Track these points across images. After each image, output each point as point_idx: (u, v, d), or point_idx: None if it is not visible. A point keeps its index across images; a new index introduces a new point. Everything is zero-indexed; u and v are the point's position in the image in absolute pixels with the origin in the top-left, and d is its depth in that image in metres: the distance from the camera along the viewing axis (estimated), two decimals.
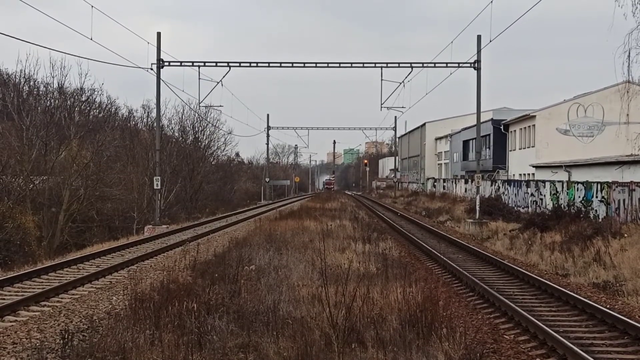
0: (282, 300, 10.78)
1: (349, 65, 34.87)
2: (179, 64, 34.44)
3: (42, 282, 15.77)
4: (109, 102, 63.81)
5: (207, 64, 34.29)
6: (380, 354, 8.20)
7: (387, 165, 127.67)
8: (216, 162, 73.82)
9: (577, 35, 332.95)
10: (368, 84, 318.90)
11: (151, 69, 33.68)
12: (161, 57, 33.60)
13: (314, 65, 35.02)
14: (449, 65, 34.25)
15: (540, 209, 33.04)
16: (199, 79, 34.38)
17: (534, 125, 46.61)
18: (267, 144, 74.31)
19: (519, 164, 49.52)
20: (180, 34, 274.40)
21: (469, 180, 51.37)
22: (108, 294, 13.84)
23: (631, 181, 25.51)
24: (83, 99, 55.50)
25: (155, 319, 9.60)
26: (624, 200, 25.01)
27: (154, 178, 34.81)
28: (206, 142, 68.42)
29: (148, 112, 63.54)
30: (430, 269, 18.54)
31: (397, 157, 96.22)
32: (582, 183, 29.46)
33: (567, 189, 30.88)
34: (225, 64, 34.17)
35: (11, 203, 33.77)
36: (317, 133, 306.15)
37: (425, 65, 34.43)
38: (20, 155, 39.12)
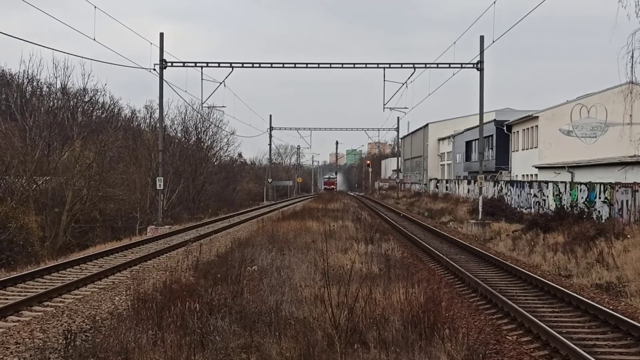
0: (284, 301, 10.78)
1: (352, 65, 34.88)
2: (181, 64, 34.46)
3: (45, 282, 15.79)
4: (111, 102, 64.08)
5: (209, 64, 34.32)
6: (383, 354, 8.19)
7: (389, 166, 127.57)
8: (219, 162, 73.84)
9: (580, 36, 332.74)
10: (371, 85, 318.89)
11: (154, 70, 33.71)
12: (164, 57, 33.62)
13: (316, 65, 35.04)
14: (451, 65, 34.22)
15: (543, 209, 33.00)
16: (202, 79, 34.40)
17: (536, 126, 46.58)
18: (270, 144, 74.34)
19: (521, 164, 49.49)
20: (183, 35, 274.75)
21: (472, 181, 51.34)
22: (111, 294, 13.86)
23: (634, 182, 25.46)
24: (86, 100, 55.73)
25: (157, 319, 9.60)
26: (627, 201, 24.97)
27: (157, 178, 34.82)
28: (209, 143, 68.48)
29: (151, 113, 63.72)
30: (433, 270, 18.54)
31: (399, 158, 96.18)
32: (585, 184, 29.42)
33: (570, 190, 30.84)
34: (228, 65, 34.20)
35: (14, 203, 33.80)
36: (320, 134, 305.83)
37: (428, 66, 34.42)
38: (23, 156, 39.16)
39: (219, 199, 67.09)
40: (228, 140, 74.92)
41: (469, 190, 53.11)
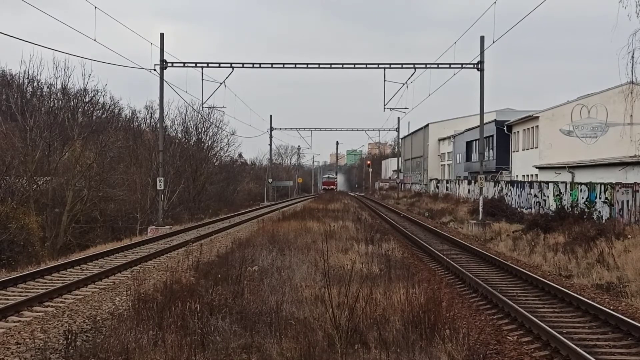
0: (285, 301, 10.77)
1: (352, 66, 34.88)
2: (182, 64, 34.46)
3: (46, 282, 15.79)
4: (112, 103, 64.08)
5: (210, 64, 34.31)
6: (383, 354, 8.20)
7: (390, 167, 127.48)
8: (219, 163, 73.84)
9: (581, 36, 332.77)
10: (371, 85, 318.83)
11: (154, 70, 33.71)
12: (164, 58, 33.63)
13: (316, 66, 35.03)
14: (452, 66, 34.22)
15: (544, 210, 33.00)
16: (202, 79, 34.40)
17: (537, 126, 46.58)
18: (270, 144, 74.34)
19: (522, 165, 49.48)
20: (183, 35, 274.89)
21: (472, 181, 51.34)
22: (111, 295, 13.86)
23: (635, 182, 25.47)
24: (86, 100, 55.67)
25: (158, 319, 9.61)
26: (627, 202, 24.97)
27: (157, 179, 34.83)
28: (209, 143, 68.48)
29: (151, 113, 63.75)
30: (434, 270, 18.54)
31: (400, 158, 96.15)
32: (586, 184, 29.42)
33: (571, 190, 30.84)
34: (228, 65, 34.20)
35: (15, 204, 33.82)
36: (320, 134, 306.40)
37: (428, 66, 34.41)
38: (24, 156, 39.18)
39: (219, 199, 67.11)
40: (228, 140, 75.04)
41: (469, 190, 53.11)
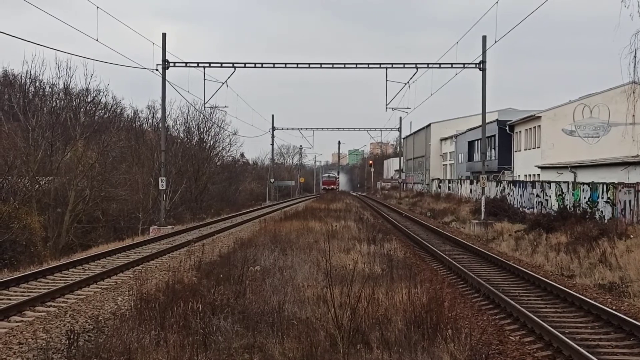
0: (287, 301, 10.77)
1: (354, 65, 34.84)
2: (184, 64, 34.47)
3: (48, 282, 15.81)
4: (114, 102, 64.10)
5: (212, 64, 34.29)
6: (386, 354, 8.20)
7: (392, 166, 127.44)
8: (221, 162, 73.85)
9: (583, 36, 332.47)
10: (373, 85, 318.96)
11: (156, 70, 33.72)
12: (166, 57, 33.62)
13: (318, 65, 35.01)
14: (454, 65, 34.19)
15: (546, 209, 32.97)
16: (204, 79, 34.39)
17: (539, 126, 46.54)
18: (272, 144, 74.33)
19: (524, 164, 49.44)
20: (185, 35, 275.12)
21: (474, 181, 51.30)
22: (113, 295, 13.87)
23: (637, 182, 25.44)
24: (89, 100, 55.68)
25: (160, 319, 9.61)
26: (629, 201, 24.94)
27: (159, 179, 34.84)
28: (211, 143, 68.47)
29: (153, 113, 63.72)
30: (436, 270, 18.53)
31: (402, 158, 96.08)
32: (588, 184, 29.39)
33: (573, 190, 30.81)
34: (230, 65, 34.19)
35: (17, 203, 33.82)
36: (322, 134, 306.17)
37: (430, 65, 34.36)
38: (26, 156, 39.19)
39: (221, 199, 67.11)
40: (230, 140, 74.95)
41: (471, 190, 53.07)
